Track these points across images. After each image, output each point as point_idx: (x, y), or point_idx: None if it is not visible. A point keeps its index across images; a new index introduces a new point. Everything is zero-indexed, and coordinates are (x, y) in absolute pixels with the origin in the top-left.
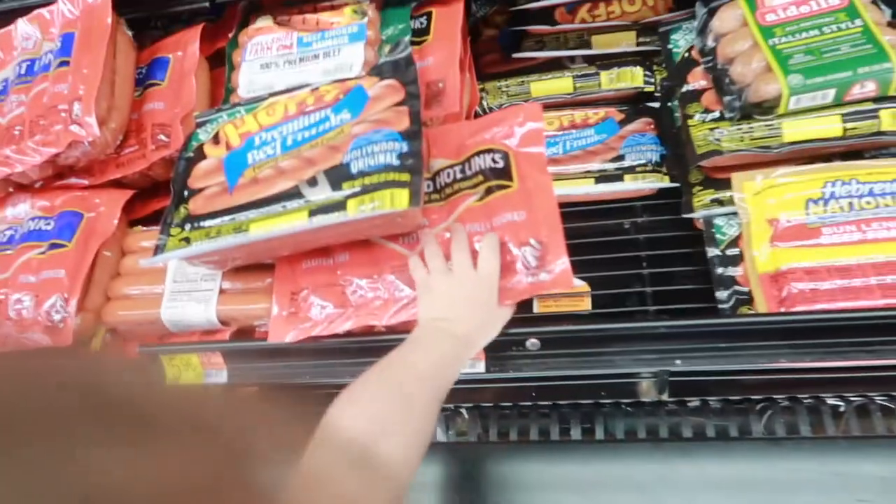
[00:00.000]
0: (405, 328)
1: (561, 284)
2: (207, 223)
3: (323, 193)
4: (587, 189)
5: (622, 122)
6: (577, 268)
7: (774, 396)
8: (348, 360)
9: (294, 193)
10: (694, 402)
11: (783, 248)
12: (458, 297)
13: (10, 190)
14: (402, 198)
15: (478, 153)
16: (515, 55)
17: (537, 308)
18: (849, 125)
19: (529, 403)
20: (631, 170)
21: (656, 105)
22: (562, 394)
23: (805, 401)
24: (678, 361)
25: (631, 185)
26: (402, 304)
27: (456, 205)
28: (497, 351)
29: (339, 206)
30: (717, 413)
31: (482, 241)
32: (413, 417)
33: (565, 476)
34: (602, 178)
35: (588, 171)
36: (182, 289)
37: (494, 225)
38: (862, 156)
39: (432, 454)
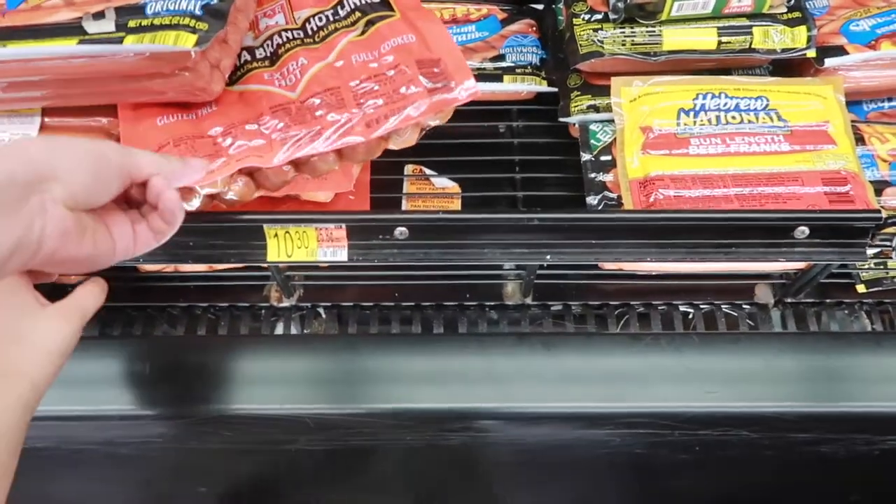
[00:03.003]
0: (271, 205)
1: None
2: None
3: (105, 28)
4: None
5: (504, 22)
6: (448, 169)
7: (631, 302)
8: (192, 239)
9: (74, 25)
10: (556, 307)
11: (654, 155)
12: None
13: None
14: (187, 39)
15: None
16: None
17: (406, 206)
18: (723, 39)
19: (391, 304)
20: (511, 70)
21: (540, 7)
22: (425, 294)
23: (659, 307)
24: (549, 256)
25: (510, 87)
26: (295, 141)
27: (334, 44)
28: (362, 238)
29: (116, 39)
30: (578, 318)
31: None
32: None
33: (424, 368)
34: (481, 76)
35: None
36: None
37: (383, 51)
38: (730, 73)
39: (287, 347)
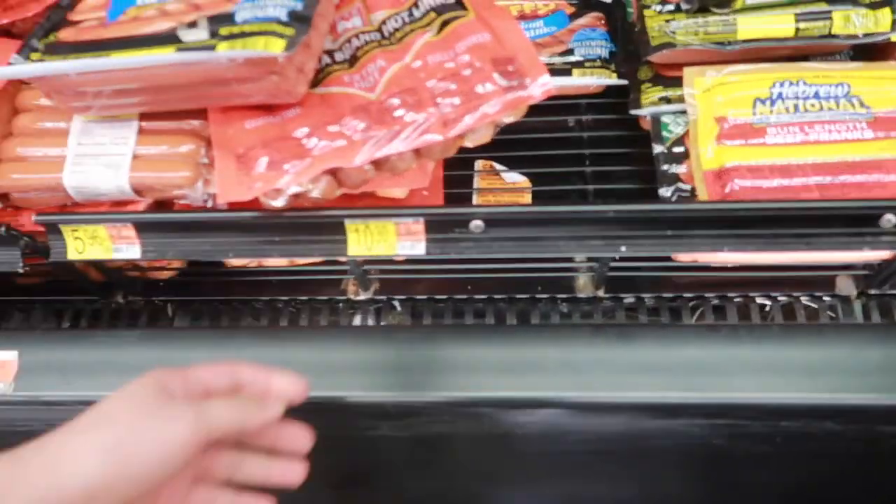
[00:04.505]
0: (349, 202)
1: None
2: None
3: (199, 36)
4: None
5: (572, 16)
6: (518, 164)
7: (706, 295)
8: (277, 236)
9: (169, 35)
10: (629, 299)
11: (729, 145)
12: None
13: None
14: (276, 44)
15: None
16: None
17: (476, 202)
18: (801, 25)
19: (465, 297)
20: (580, 64)
21: (608, 0)
22: (498, 287)
23: (735, 299)
24: (623, 248)
25: (579, 80)
26: (375, 141)
27: (410, 45)
28: (439, 232)
29: (210, 47)
30: (651, 310)
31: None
32: None
33: (501, 358)
34: (550, 71)
35: None
36: (88, 152)
37: (458, 51)
38: (808, 60)
39: (362, 337)
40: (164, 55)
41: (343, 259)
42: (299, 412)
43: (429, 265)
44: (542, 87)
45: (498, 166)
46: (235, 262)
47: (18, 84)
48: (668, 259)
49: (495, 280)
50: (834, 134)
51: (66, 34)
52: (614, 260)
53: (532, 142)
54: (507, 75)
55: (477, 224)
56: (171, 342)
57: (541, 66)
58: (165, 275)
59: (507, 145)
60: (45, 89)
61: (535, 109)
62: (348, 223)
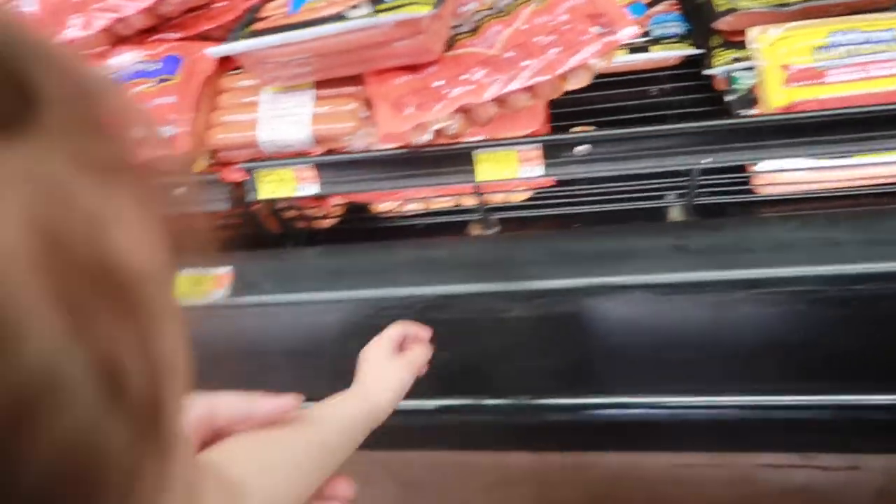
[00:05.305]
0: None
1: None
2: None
3: (362, 13)
4: (619, 59)
5: (649, 5)
6: (610, 128)
7: None
8: (420, 169)
9: (338, 15)
10: None
11: (795, 87)
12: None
13: (109, 47)
14: (424, 7)
15: None
16: None
17: None
18: None
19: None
20: (657, 41)
21: None
22: (600, 222)
23: None
24: (710, 158)
25: (658, 55)
26: (498, 83)
27: (519, 13)
28: (553, 156)
29: (370, 15)
30: None
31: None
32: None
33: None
34: (632, 49)
35: None
36: (277, 114)
37: (558, 13)
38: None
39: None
40: (341, 24)
41: (469, 204)
42: (457, 299)
43: (542, 210)
44: (628, 34)
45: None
46: (383, 208)
47: (220, 72)
48: (751, 192)
49: (599, 215)
50: (887, 70)
51: (258, 26)
52: (701, 190)
53: (620, 109)
54: (602, 25)
55: (582, 148)
56: (347, 256)
57: (627, 19)
58: (326, 223)
59: (599, 113)
60: (247, 63)
61: (622, 83)
62: (478, 153)
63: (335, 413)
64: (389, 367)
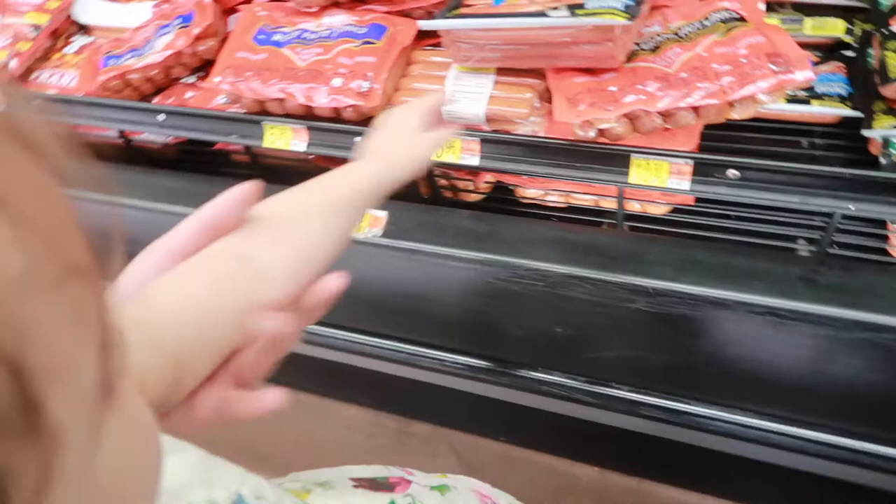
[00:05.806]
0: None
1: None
2: None
3: (561, 13)
4: (778, 107)
5: (816, 63)
6: None
7: None
8: (577, 161)
9: (539, 13)
10: None
11: None
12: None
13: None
14: (620, 17)
15: (714, 10)
16: None
17: None
18: None
19: None
20: (819, 97)
21: (851, 54)
22: None
23: None
24: (851, 206)
25: (817, 109)
26: (671, 97)
27: (700, 41)
28: (702, 175)
29: (569, 17)
30: None
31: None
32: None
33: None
34: (793, 100)
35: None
36: (459, 90)
37: (738, 46)
38: None
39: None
40: (543, 19)
41: (607, 206)
42: (585, 281)
43: (674, 224)
44: (804, 76)
45: None
46: (527, 193)
47: (415, 46)
48: (885, 252)
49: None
50: None
51: (464, 10)
52: (833, 242)
53: (769, 153)
54: (777, 64)
55: (734, 172)
56: (493, 223)
57: (806, 63)
58: (472, 198)
59: (748, 153)
60: (447, 40)
61: (775, 130)
62: (635, 157)
63: (347, 180)
64: (414, 139)
